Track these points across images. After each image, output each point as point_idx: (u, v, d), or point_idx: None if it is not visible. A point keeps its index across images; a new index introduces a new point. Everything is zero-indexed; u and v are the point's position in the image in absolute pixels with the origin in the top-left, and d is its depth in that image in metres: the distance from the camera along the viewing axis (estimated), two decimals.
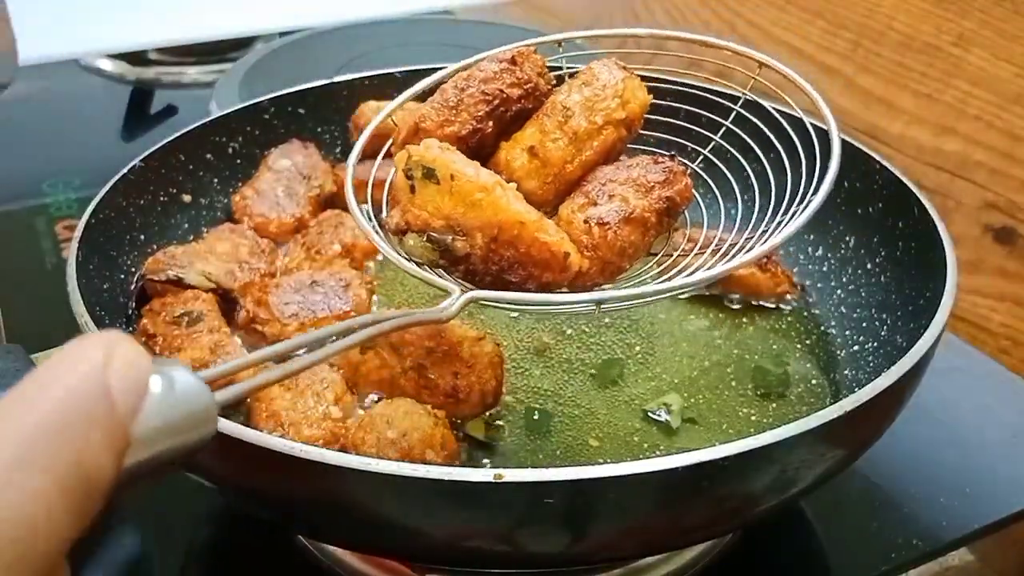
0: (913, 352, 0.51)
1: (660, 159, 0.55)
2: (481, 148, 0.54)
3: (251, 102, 0.85)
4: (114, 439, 0.26)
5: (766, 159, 0.60)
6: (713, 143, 0.63)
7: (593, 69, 0.56)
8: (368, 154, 0.86)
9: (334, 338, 0.40)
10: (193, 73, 1.30)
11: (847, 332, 0.71)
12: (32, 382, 0.26)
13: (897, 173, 0.70)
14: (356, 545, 0.56)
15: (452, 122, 0.54)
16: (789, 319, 0.73)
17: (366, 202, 0.83)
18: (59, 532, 0.25)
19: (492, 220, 0.48)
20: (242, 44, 1.32)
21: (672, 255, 0.57)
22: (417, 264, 0.52)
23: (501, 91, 0.54)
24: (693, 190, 0.56)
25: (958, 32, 0.97)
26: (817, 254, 0.77)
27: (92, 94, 1.28)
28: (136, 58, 1.30)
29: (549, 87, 0.57)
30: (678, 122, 0.65)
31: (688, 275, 0.52)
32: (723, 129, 0.63)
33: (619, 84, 0.54)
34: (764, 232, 0.54)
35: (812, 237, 0.78)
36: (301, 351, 0.39)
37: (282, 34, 1.27)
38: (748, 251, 0.51)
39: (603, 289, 0.52)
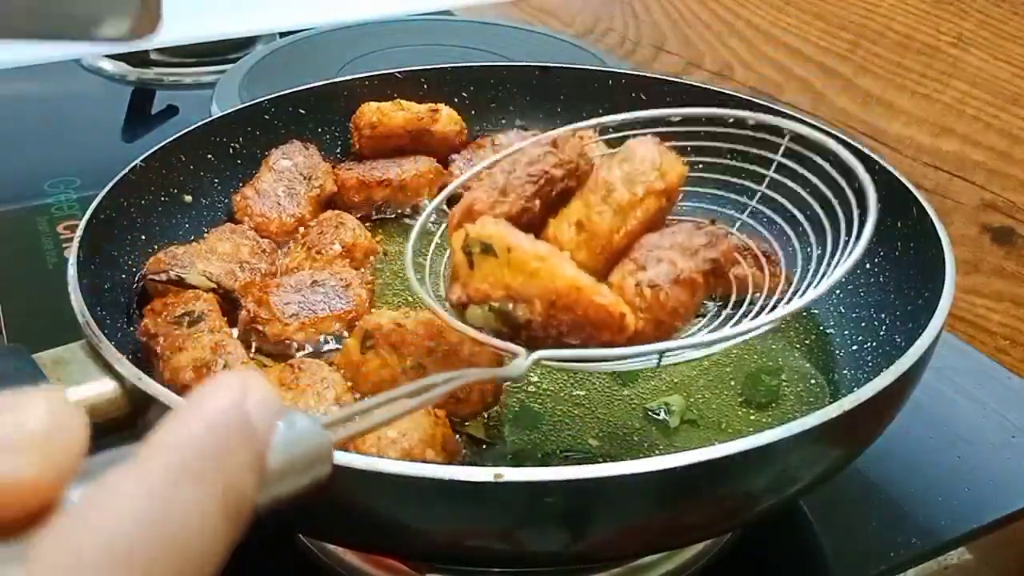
0: (912, 352, 0.51)
1: (701, 225, 0.57)
2: (530, 226, 0.56)
3: (251, 102, 0.85)
4: (256, 462, 0.28)
5: (806, 212, 0.62)
6: (751, 205, 0.65)
7: (631, 146, 0.58)
8: (367, 155, 0.87)
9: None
10: (194, 74, 1.30)
11: (846, 332, 0.71)
12: (181, 411, 0.27)
13: (896, 173, 0.70)
14: (356, 544, 0.56)
15: (502, 202, 0.56)
16: (788, 319, 0.73)
17: (366, 201, 0.84)
18: (218, 544, 0.26)
19: (550, 287, 0.49)
20: (243, 45, 1.32)
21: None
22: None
23: (545, 171, 0.57)
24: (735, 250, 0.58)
25: (957, 33, 0.98)
26: (816, 254, 0.77)
27: (93, 94, 1.28)
28: (137, 59, 1.30)
29: (589, 166, 0.59)
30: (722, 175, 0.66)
31: (734, 324, 0.54)
32: (761, 188, 0.65)
33: (656, 158, 0.56)
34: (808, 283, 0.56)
35: (812, 237, 0.78)
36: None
37: (282, 34, 1.28)
38: (796, 298, 0.54)
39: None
